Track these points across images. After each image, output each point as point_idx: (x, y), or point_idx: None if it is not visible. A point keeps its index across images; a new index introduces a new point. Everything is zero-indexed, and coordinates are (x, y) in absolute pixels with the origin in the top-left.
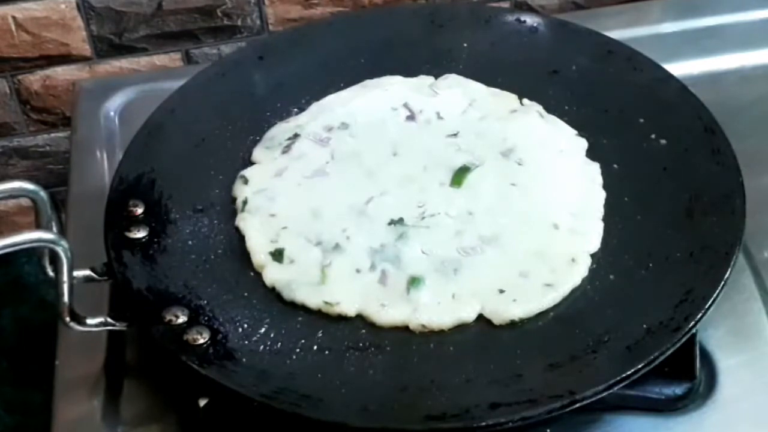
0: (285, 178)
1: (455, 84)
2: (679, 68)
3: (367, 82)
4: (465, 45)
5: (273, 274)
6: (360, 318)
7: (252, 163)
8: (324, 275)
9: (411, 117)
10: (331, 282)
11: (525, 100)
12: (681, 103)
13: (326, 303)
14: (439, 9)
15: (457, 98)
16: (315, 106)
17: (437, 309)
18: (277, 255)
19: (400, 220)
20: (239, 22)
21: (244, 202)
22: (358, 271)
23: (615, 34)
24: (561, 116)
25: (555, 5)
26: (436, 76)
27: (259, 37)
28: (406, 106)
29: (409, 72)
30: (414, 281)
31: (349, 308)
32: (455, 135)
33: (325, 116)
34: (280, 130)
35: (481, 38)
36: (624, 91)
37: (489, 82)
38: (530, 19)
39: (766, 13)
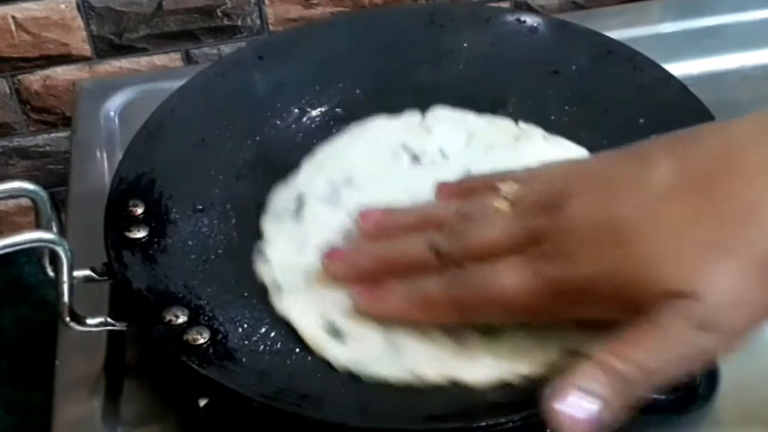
0: (308, 250)
1: (445, 118)
2: (679, 68)
3: (352, 127)
4: (465, 45)
5: (339, 355)
6: (453, 384)
7: (264, 238)
8: (397, 346)
9: (415, 160)
10: (407, 352)
11: (521, 123)
12: (681, 103)
13: (411, 373)
14: (439, 9)
15: (453, 133)
16: (307, 163)
17: (525, 352)
18: (334, 332)
19: None
20: (239, 22)
21: (276, 282)
22: (430, 337)
23: (615, 34)
24: (561, 116)
25: (555, 5)
26: (424, 108)
27: (259, 37)
28: (405, 148)
29: (410, 72)
30: (489, 332)
31: (435, 374)
32: (467, 172)
33: (324, 173)
34: (282, 197)
35: (481, 38)
36: (624, 91)
37: (489, 82)
38: (530, 19)
39: (766, 13)
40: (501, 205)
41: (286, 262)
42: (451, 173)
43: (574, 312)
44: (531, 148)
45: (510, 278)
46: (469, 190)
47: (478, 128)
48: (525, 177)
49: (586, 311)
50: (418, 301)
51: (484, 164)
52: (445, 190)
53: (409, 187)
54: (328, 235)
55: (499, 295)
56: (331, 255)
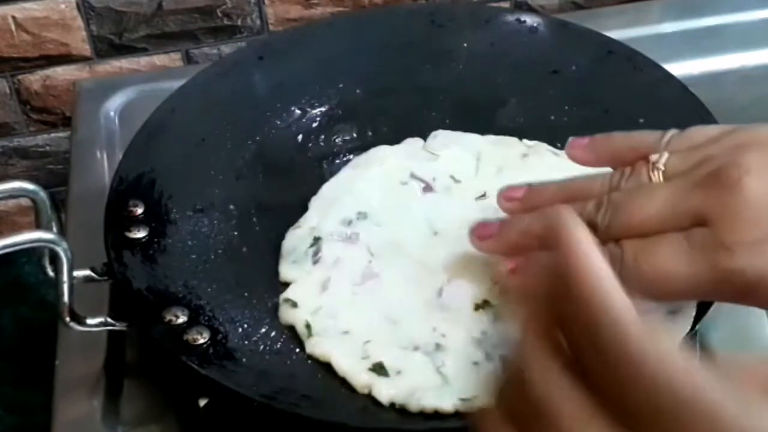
0: (335, 291)
1: (448, 141)
2: (679, 68)
3: (355, 160)
4: (465, 45)
5: (388, 390)
6: None
7: (284, 284)
8: (444, 376)
9: (428, 188)
10: (455, 380)
11: (525, 141)
12: (681, 103)
13: (462, 400)
14: (439, 9)
15: (460, 156)
16: (315, 201)
17: None
18: (380, 369)
19: (485, 303)
20: (239, 22)
21: (308, 327)
22: (476, 363)
23: (615, 34)
24: (561, 116)
25: (555, 5)
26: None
27: (259, 37)
28: (414, 177)
29: (409, 72)
30: None
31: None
32: (483, 196)
33: (336, 210)
34: (295, 239)
35: (481, 38)
36: (624, 91)
37: (489, 82)
38: (530, 19)
39: (766, 13)
40: (654, 177)
41: (313, 306)
42: (467, 198)
43: (725, 300)
44: (541, 164)
45: (671, 261)
46: (612, 157)
47: (483, 150)
48: (679, 146)
49: (745, 303)
50: None
51: (498, 186)
52: (579, 147)
53: (429, 214)
54: (353, 276)
55: (655, 277)
56: (480, 232)
